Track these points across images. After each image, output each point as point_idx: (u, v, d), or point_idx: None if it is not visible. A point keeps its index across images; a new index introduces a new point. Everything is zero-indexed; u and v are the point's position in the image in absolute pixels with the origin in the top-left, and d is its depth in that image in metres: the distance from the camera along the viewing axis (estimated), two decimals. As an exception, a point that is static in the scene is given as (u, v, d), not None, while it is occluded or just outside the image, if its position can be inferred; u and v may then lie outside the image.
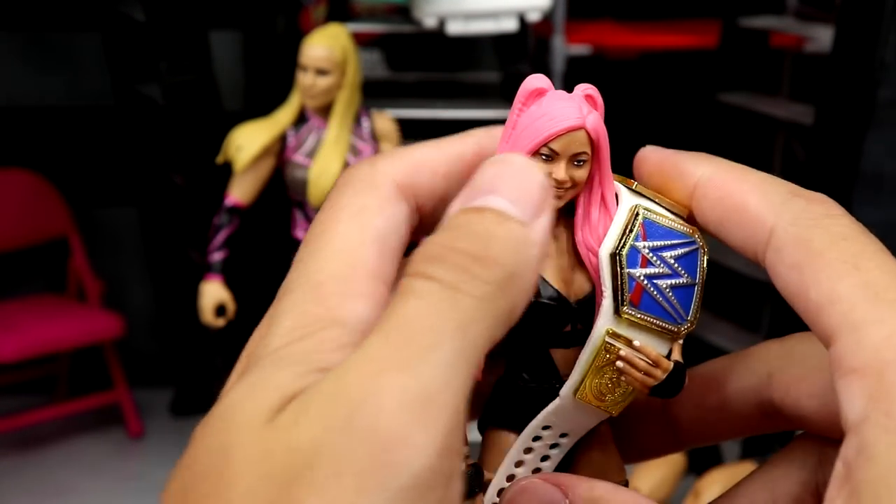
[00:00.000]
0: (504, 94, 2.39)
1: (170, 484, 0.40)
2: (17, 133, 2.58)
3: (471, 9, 1.92)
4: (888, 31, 2.06)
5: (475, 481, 0.62)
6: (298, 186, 1.86)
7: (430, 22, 1.92)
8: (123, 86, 2.39)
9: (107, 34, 2.41)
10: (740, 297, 2.35)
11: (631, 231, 0.64)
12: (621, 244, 0.63)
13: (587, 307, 0.64)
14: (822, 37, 2.22)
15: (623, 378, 0.63)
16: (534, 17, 1.95)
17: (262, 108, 2.25)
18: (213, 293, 1.88)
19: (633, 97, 2.73)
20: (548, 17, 2.31)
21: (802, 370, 0.53)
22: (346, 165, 1.86)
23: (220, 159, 1.88)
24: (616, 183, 0.66)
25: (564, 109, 0.64)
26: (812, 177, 2.09)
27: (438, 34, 1.95)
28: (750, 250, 0.49)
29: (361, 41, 2.48)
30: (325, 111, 1.87)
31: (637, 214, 0.64)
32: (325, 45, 1.83)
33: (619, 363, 0.63)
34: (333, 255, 0.47)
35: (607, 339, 0.62)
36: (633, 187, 0.66)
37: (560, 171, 0.64)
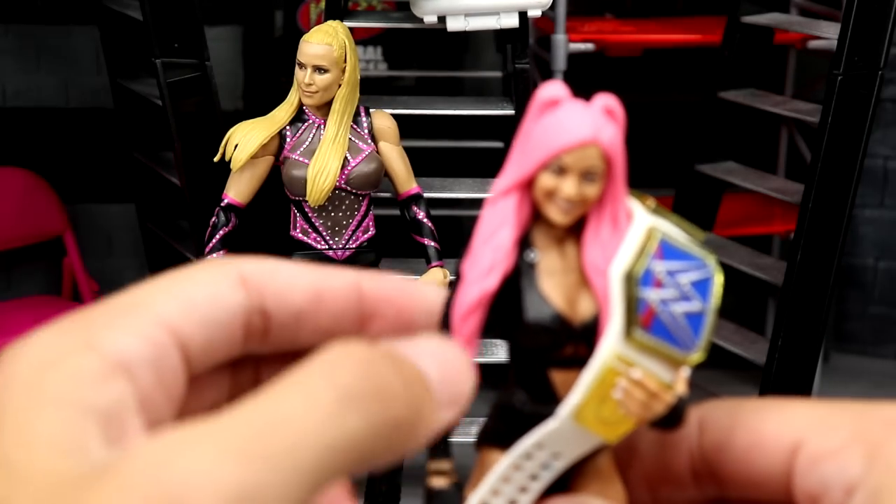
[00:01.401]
0: (505, 91, 2.37)
1: None
2: (11, 131, 2.56)
3: (471, 5, 1.90)
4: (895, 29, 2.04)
5: (455, 499, 0.60)
6: (297, 185, 1.84)
7: (429, 18, 1.89)
8: (120, 84, 2.37)
9: (104, 32, 2.39)
10: (743, 297, 2.33)
11: (646, 252, 0.61)
12: (636, 264, 0.61)
13: (590, 330, 0.61)
14: (827, 33, 2.19)
15: (621, 408, 0.60)
16: (535, 13, 1.93)
17: (259, 106, 2.23)
18: (210, 294, 1.86)
19: (636, 94, 2.70)
20: (549, 14, 2.29)
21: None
22: (345, 163, 1.84)
23: (217, 158, 1.86)
24: (631, 200, 0.64)
25: (578, 122, 0.62)
26: (816, 176, 2.07)
27: (438, 31, 1.92)
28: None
29: (360, 38, 2.46)
30: (324, 109, 1.85)
31: (653, 235, 0.62)
32: (324, 42, 1.81)
33: (618, 393, 0.60)
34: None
35: (612, 363, 0.60)
36: (649, 205, 0.63)
37: (570, 186, 0.61)
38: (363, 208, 1.89)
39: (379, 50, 2.57)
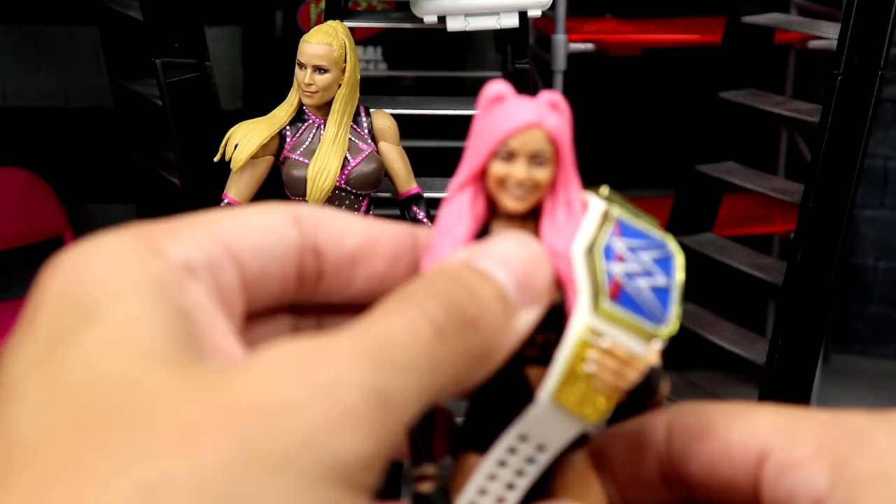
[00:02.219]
0: (505, 91, 2.37)
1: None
2: (11, 131, 2.56)
3: (471, 5, 1.89)
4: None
5: (443, 503, 0.59)
6: (297, 185, 1.84)
7: (429, 18, 1.89)
8: (120, 84, 2.37)
9: (104, 32, 2.39)
10: (743, 297, 2.33)
11: (604, 229, 0.63)
12: (595, 241, 0.62)
13: (556, 317, 0.62)
14: (827, 33, 2.19)
15: (597, 382, 0.61)
16: (535, 13, 1.93)
17: (259, 106, 2.22)
18: (210, 294, 1.86)
19: (636, 94, 2.70)
20: (549, 14, 2.29)
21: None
22: (345, 163, 1.84)
23: (217, 158, 1.86)
24: (585, 191, 0.66)
25: (522, 109, 0.64)
26: (816, 176, 2.07)
27: (438, 31, 1.92)
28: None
29: (360, 38, 2.46)
30: (324, 109, 1.85)
31: (609, 215, 0.64)
32: (324, 42, 1.81)
33: (591, 365, 0.60)
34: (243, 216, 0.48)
35: (583, 335, 0.60)
36: (602, 192, 0.66)
37: (520, 170, 0.64)
38: (363, 208, 1.89)
39: (379, 50, 2.57)
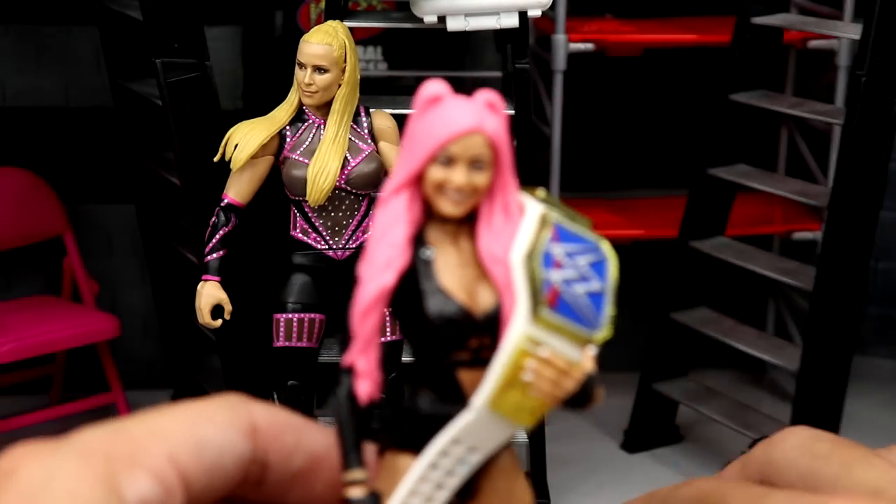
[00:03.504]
0: (505, 91, 2.36)
1: None
2: (11, 131, 2.55)
3: (471, 5, 1.89)
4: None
5: None
6: (297, 185, 1.84)
7: (429, 18, 1.89)
8: (120, 84, 2.36)
9: (104, 32, 2.39)
10: (744, 295, 2.33)
11: (543, 235, 0.62)
12: (534, 247, 0.62)
13: (493, 321, 0.62)
14: (842, 32, 2.16)
15: (533, 390, 0.61)
16: (535, 13, 1.93)
17: (259, 106, 2.22)
18: (210, 294, 1.86)
19: (636, 94, 2.70)
20: (549, 14, 2.29)
21: None
22: (345, 163, 1.84)
23: (217, 158, 1.86)
24: (521, 192, 0.65)
25: (462, 113, 0.64)
26: (844, 177, 2.05)
27: (438, 31, 1.92)
28: None
29: (360, 38, 2.46)
30: (324, 109, 1.85)
31: (546, 219, 0.63)
32: (324, 42, 1.81)
33: (529, 375, 0.61)
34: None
35: (522, 344, 0.60)
36: (538, 195, 0.65)
37: (459, 175, 0.63)
38: (363, 208, 1.89)
39: (379, 50, 2.56)
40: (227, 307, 1.86)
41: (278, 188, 1.89)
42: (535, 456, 2.10)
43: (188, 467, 0.51)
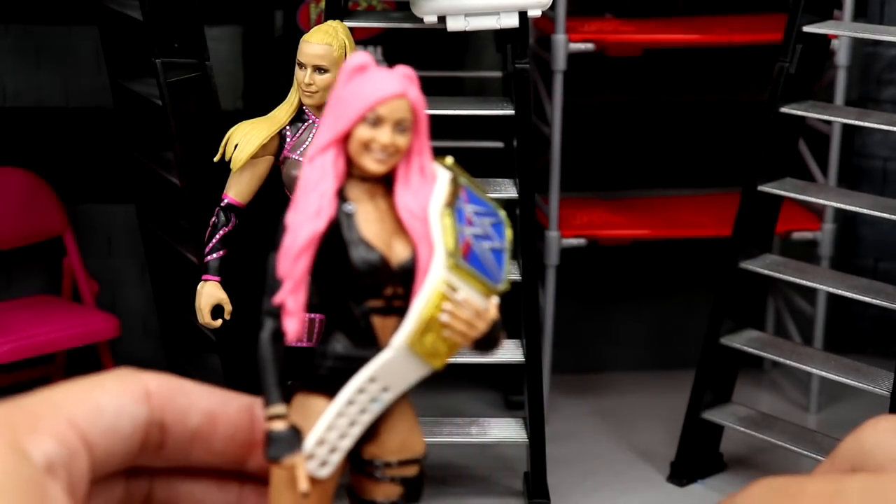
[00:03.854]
0: (505, 91, 2.36)
1: None
2: (12, 131, 2.55)
3: (471, 5, 1.90)
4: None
5: (295, 439, 0.66)
6: (296, 185, 1.84)
7: (429, 18, 1.89)
8: (120, 84, 2.36)
9: (104, 32, 2.39)
10: (744, 293, 2.32)
11: (456, 195, 0.70)
12: (451, 204, 0.69)
13: (407, 271, 0.70)
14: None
15: (448, 331, 0.68)
16: (535, 13, 1.93)
17: (259, 106, 2.22)
18: (210, 293, 1.86)
19: (636, 94, 2.70)
20: (549, 14, 2.29)
21: None
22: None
23: (217, 158, 1.86)
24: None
25: (389, 80, 0.72)
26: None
27: (438, 31, 1.92)
28: None
29: (360, 38, 2.46)
30: (324, 109, 1.85)
31: (457, 182, 0.71)
32: (324, 42, 1.81)
33: (444, 316, 0.68)
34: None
35: (440, 287, 0.67)
36: (446, 163, 0.72)
37: (385, 135, 0.71)
38: (363, 208, 1.89)
39: (379, 50, 2.57)
40: (227, 307, 1.87)
41: (278, 188, 1.89)
42: (535, 456, 2.10)
43: (88, 431, 0.53)
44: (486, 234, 0.71)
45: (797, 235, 2.54)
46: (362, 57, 0.74)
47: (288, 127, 1.86)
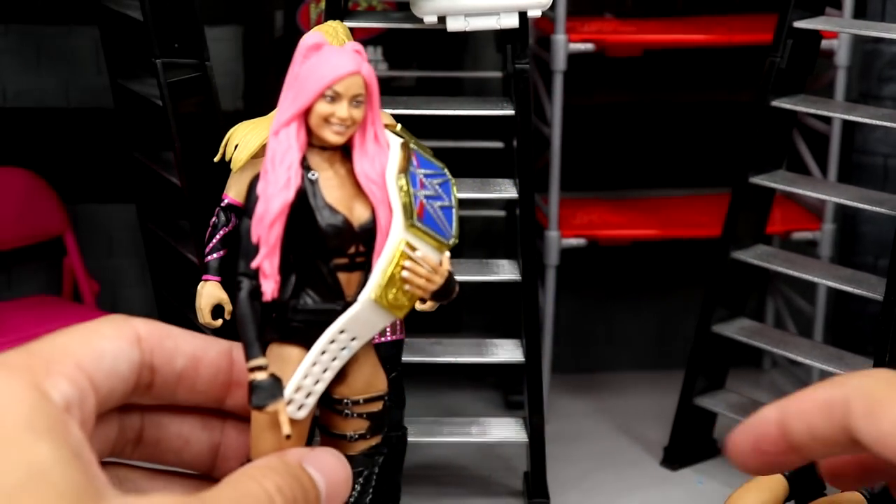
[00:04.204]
0: (505, 91, 2.37)
1: None
2: (12, 131, 2.56)
3: (471, 5, 1.90)
4: None
5: (277, 388, 0.73)
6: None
7: (429, 18, 1.90)
8: (120, 84, 2.37)
9: (104, 32, 2.39)
10: (737, 284, 2.32)
11: (408, 161, 0.77)
12: (405, 169, 0.76)
13: (368, 231, 0.78)
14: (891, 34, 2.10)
15: (408, 284, 0.76)
16: (535, 13, 1.93)
17: (260, 106, 2.23)
18: (210, 293, 1.86)
19: (636, 94, 2.70)
20: (549, 14, 2.29)
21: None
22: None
23: (217, 158, 1.86)
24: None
25: (343, 58, 0.79)
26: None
27: (438, 31, 1.93)
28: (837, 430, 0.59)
29: (360, 38, 2.46)
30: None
31: (407, 148, 0.78)
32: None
33: (405, 272, 0.75)
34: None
35: (401, 246, 0.75)
36: (396, 130, 0.80)
37: (343, 109, 0.78)
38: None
39: (379, 50, 2.57)
40: (228, 307, 1.87)
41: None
42: (535, 455, 2.10)
43: (93, 373, 0.60)
44: (437, 194, 0.78)
45: (797, 236, 2.54)
46: (316, 36, 0.81)
47: (288, 127, 1.86)
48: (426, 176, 0.78)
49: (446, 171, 0.79)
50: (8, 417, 0.51)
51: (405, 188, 0.76)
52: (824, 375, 2.44)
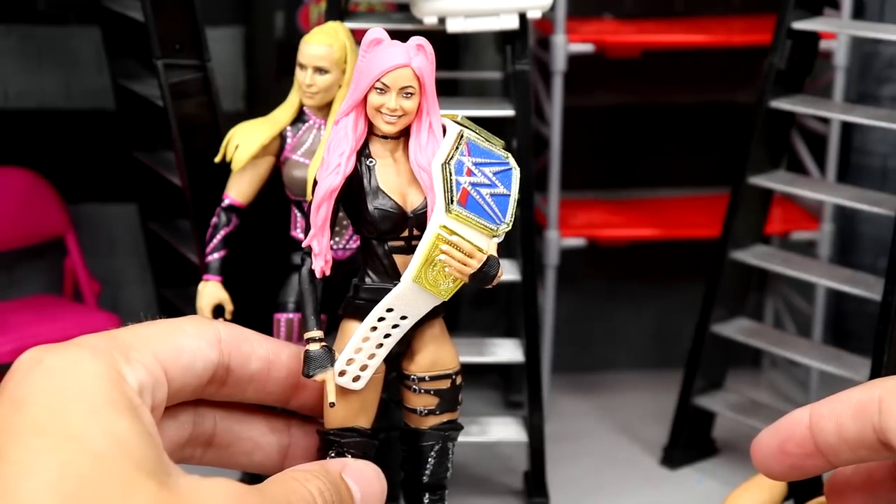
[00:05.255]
0: (505, 92, 2.37)
1: None
2: (13, 132, 2.56)
3: (471, 6, 1.90)
4: None
5: (326, 359, 0.79)
6: (297, 185, 1.85)
7: (429, 19, 1.90)
8: (121, 85, 2.37)
9: (105, 33, 2.39)
10: (735, 284, 2.33)
11: (457, 149, 0.82)
12: (449, 157, 0.81)
13: (421, 216, 0.84)
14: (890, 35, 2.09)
15: (448, 267, 0.81)
16: (535, 14, 1.93)
17: (260, 107, 2.23)
18: (211, 293, 1.87)
19: (636, 95, 2.71)
20: (548, 15, 2.29)
21: None
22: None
23: (218, 158, 1.87)
24: (444, 118, 0.86)
25: (395, 52, 0.85)
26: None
27: (438, 32, 1.93)
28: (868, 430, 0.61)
29: (361, 39, 2.47)
30: (325, 110, 1.86)
31: (462, 137, 0.83)
32: (324, 43, 1.82)
33: (442, 255, 0.81)
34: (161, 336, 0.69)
35: (438, 230, 0.80)
36: (458, 120, 0.85)
37: (391, 101, 0.84)
38: (364, 208, 1.89)
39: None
40: (229, 307, 1.87)
41: (279, 188, 1.90)
42: (535, 455, 2.10)
43: (169, 366, 0.64)
44: (490, 182, 0.82)
45: (796, 236, 2.54)
46: (378, 31, 0.87)
47: (289, 128, 1.87)
48: (477, 164, 0.82)
49: (510, 160, 0.84)
50: (91, 391, 0.56)
51: (448, 175, 0.80)
52: (823, 375, 2.45)
